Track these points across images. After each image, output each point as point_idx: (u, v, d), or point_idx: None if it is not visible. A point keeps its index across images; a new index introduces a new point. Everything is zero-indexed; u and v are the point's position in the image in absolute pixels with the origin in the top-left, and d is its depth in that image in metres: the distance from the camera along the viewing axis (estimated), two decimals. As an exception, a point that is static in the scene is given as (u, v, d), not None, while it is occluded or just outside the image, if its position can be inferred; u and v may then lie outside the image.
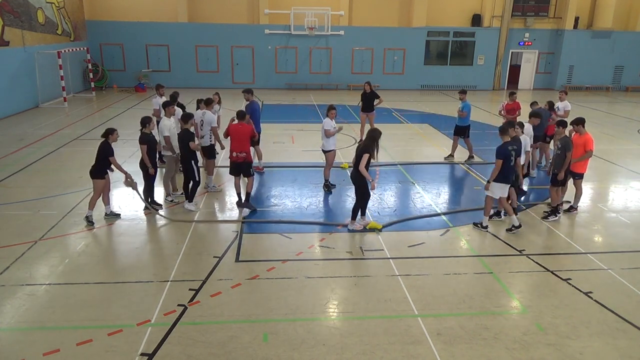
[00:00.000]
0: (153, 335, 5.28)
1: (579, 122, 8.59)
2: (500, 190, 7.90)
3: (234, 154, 8.71)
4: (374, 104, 13.52)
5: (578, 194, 8.94)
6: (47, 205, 8.90)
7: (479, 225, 8.28)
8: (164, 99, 10.75)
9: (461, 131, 12.13)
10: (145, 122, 8.39)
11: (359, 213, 8.12)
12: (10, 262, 6.78)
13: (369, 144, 7.66)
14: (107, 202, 8.34)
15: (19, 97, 17.72)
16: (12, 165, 11.30)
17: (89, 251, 7.21)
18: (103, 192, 8.18)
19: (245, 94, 10.88)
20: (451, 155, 12.42)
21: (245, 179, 9.02)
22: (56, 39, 20.76)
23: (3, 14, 16.73)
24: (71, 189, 9.76)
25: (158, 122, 9.64)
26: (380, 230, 8.03)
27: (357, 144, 13.35)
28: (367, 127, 12.63)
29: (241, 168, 8.81)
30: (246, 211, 8.83)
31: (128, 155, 11.89)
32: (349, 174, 9.44)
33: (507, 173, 7.80)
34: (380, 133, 7.83)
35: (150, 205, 8.65)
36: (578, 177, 8.74)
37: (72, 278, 6.44)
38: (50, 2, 20.24)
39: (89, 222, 8.10)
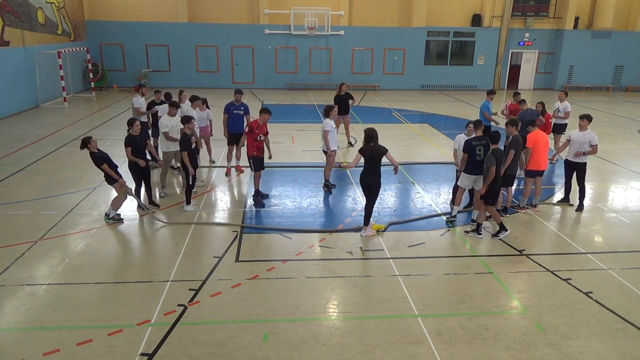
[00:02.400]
0: (153, 335, 5.28)
1: (531, 123, 8.88)
2: (467, 181, 8.20)
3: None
4: (349, 104, 13.10)
5: (533, 192, 9.10)
6: (47, 205, 8.90)
7: (448, 216, 8.53)
8: (145, 99, 11.04)
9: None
10: (130, 123, 8.42)
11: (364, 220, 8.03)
12: (10, 262, 6.78)
13: (380, 146, 7.60)
14: (115, 205, 8.23)
15: (19, 97, 17.70)
16: (12, 165, 11.30)
17: (89, 251, 7.20)
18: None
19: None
20: None
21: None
22: (56, 39, 20.76)
23: (3, 14, 16.72)
24: (71, 189, 9.76)
25: (140, 121, 9.52)
26: (384, 231, 8.04)
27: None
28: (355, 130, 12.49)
29: (252, 163, 9.19)
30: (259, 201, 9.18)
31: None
32: (340, 173, 9.42)
33: (472, 165, 8.07)
34: (375, 130, 7.72)
35: (144, 204, 8.68)
36: (538, 175, 8.92)
37: (72, 278, 6.44)
38: (50, 2, 20.23)
39: (116, 220, 8.19)
